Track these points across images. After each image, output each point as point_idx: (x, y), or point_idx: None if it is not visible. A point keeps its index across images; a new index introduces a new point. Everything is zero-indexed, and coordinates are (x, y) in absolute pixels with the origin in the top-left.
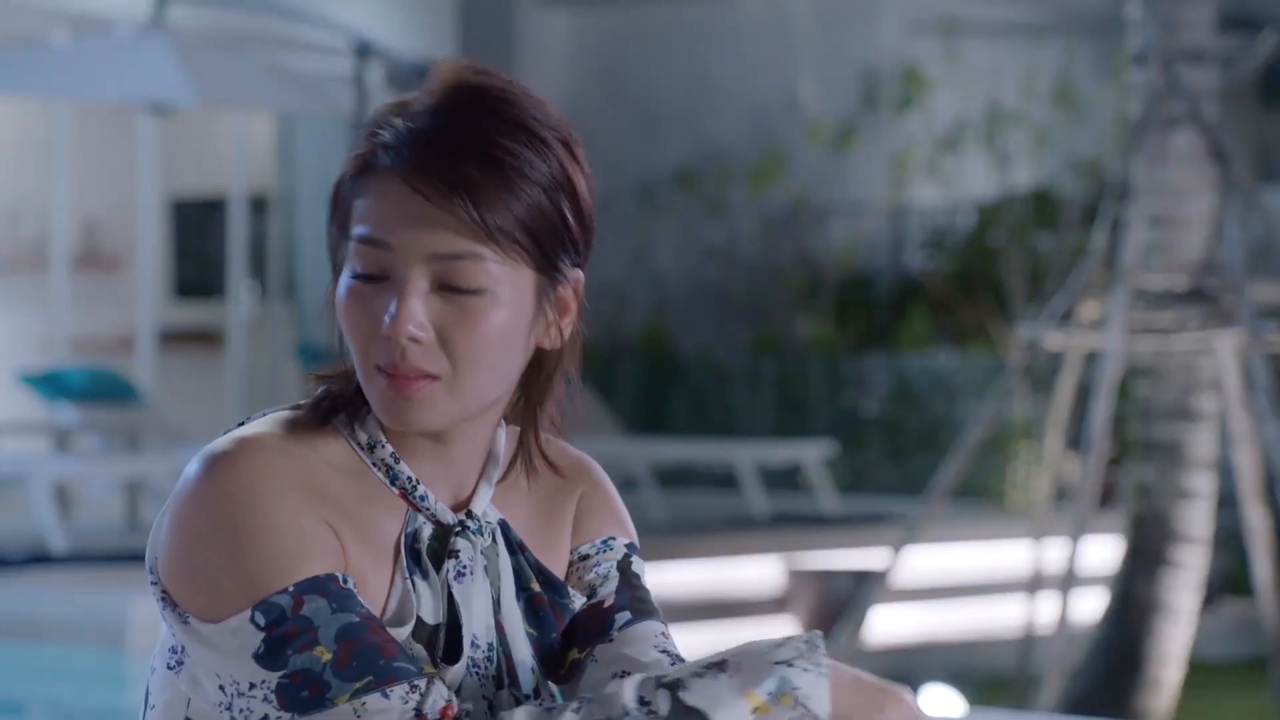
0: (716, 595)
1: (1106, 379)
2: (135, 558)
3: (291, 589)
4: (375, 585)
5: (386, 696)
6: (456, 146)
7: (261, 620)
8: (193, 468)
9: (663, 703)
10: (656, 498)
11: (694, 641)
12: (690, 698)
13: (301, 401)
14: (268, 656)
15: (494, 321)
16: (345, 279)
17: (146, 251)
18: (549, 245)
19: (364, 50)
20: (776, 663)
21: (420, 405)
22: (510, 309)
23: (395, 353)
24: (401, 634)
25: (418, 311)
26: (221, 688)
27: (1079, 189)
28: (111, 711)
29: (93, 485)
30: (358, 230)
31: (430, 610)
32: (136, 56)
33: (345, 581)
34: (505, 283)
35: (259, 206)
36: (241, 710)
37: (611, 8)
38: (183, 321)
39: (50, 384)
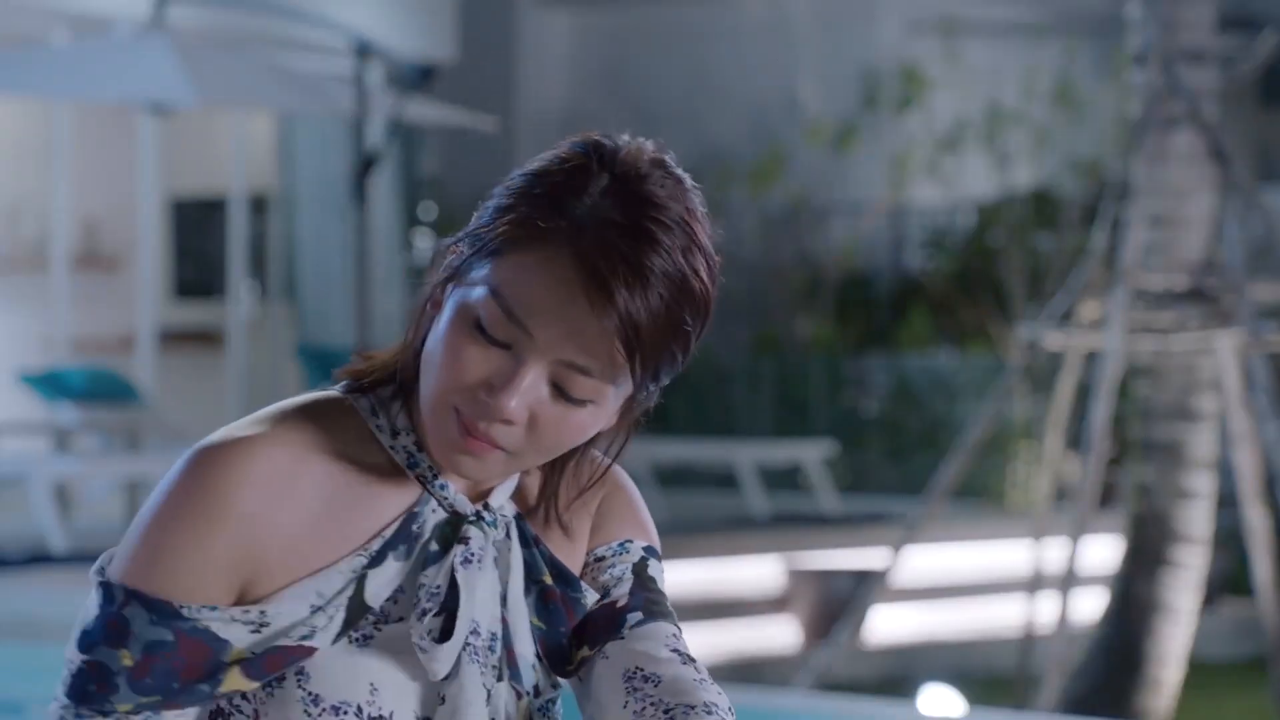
0: (716, 595)
1: (1106, 379)
2: None
3: (145, 592)
4: (323, 547)
5: (159, 715)
6: (629, 255)
7: (100, 597)
8: (184, 455)
9: None
10: (656, 498)
11: (694, 641)
12: None
13: (337, 385)
14: (87, 632)
15: (586, 426)
16: (461, 320)
17: (146, 251)
18: (663, 373)
19: (364, 50)
20: None
21: (480, 465)
22: (603, 416)
23: (481, 422)
24: (309, 587)
25: (525, 402)
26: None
27: (1079, 189)
28: None
29: (93, 485)
30: (501, 290)
31: (430, 588)
32: (136, 56)
33: (199, 612)
34: (610, 397)
35: (259, 206)
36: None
37: (611, 8)
38: (183, 321)
39: (50, 384)
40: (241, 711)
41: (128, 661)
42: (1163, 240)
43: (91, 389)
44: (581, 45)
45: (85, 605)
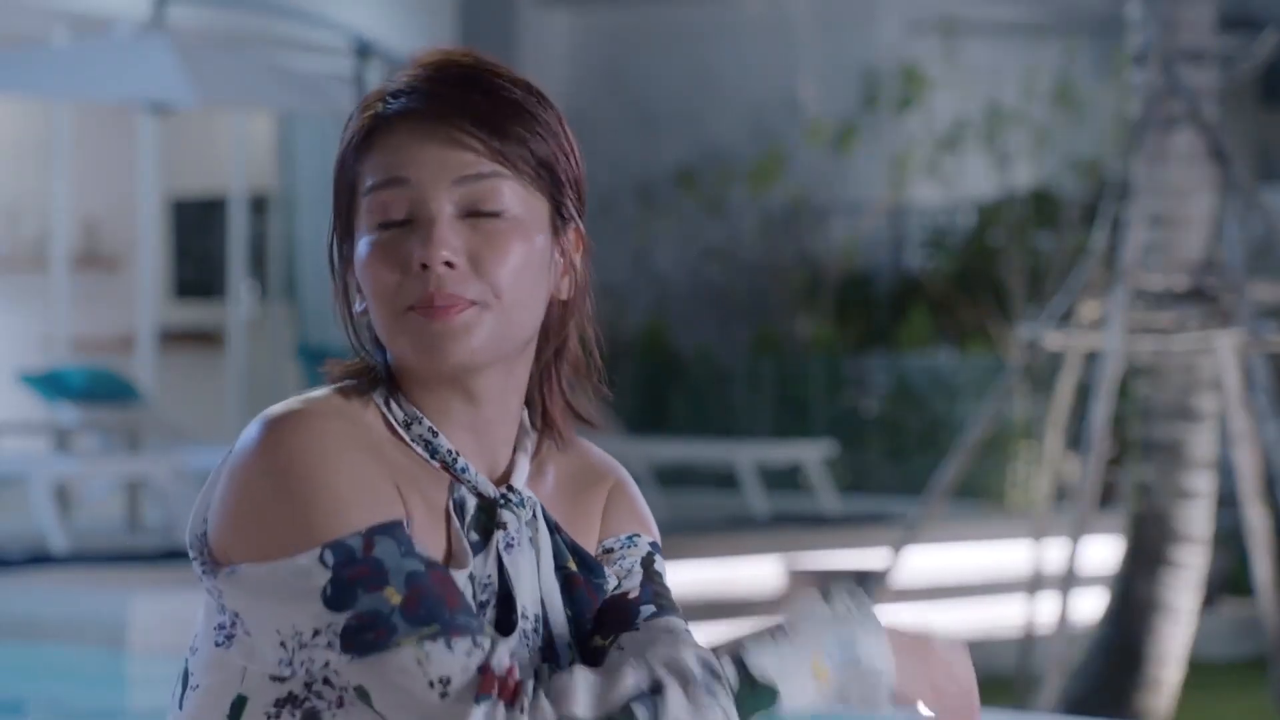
0: (716, 595)
1: (1106, 379)
2: (135, 558)
3: (363, 531)
4: (433, 547)
5: (450, 648)
6: (466, 83)
7: (330, 560)
8: (252, 429)
9: (729, 669)
10: (656, 498)
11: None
12: (756, 668)
13: (336, 385)
14: (336, 597)
15: (520, 245)
16: (365, 239)
17: (146, 251)
18: (558, 178)
19: (364, 50)
20: (834, 625)
21: (463, 332)
22: (531, 235)
23: (431, 282)
24: (460, 578)
25: (450, 236)
26: (283, 644)
27: (1079, 189)
28: (111, 711)
29: (93, 485)
30: (371, 181)
31: (482, 579)
32: (136, 56)
33: (408, 529)
34: (524, 209)
35: (259, 206)
36: (303, 663)
37: (611, 7)
38: (183, 321)
39: (50, 384)
40: (323, 698)
41: (395, 599)
42: (1163, 240)
43: (91, 389)
44: (581, 45)
45: (202, 623)
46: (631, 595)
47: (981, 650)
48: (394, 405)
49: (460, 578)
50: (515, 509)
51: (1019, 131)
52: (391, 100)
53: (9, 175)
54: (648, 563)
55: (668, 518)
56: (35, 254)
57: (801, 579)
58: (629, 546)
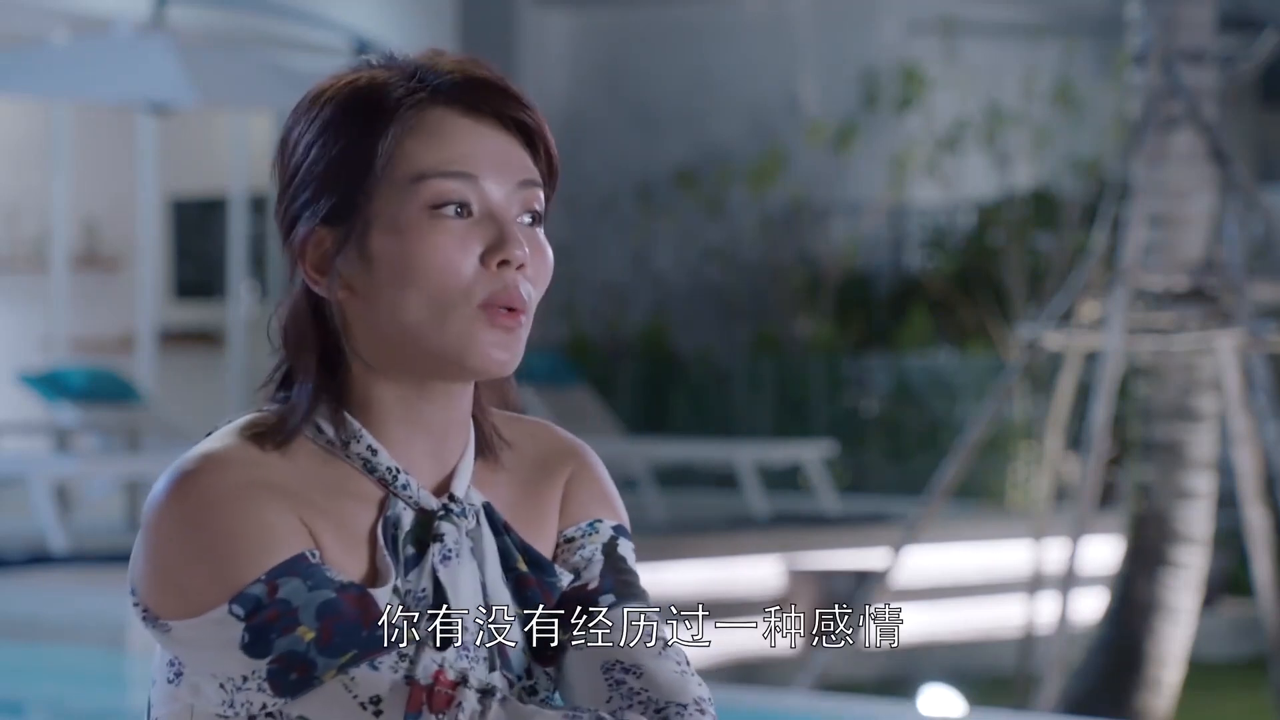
0: (716, 595)
1: (1106, 379)
2: None
3: (264, 576)
4: (354, 571)
5: (375, 667)
6: (499, 86)
7: (240, 611)
8: (159, 485)
9: None
10: (656, 498)
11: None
12: None
13: (260, 410)
14: (253, 645)
15: (549, 254)
16: (418, 221)
17: (146, 251)
18: (555, 188)
19: (364, 50)
20: None
21: (514, 341)
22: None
23: (511, 281)
24: (383, 594)
25: (522, 238)
26: (221, 686)
27: (1079, 189)
28: (111, 711)
29: (93, 485)
30: (427, 166)
31: (416, 592)
32: (136, 56)
33: (314, 557)
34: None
35: (259, 206)
36: (244, 704)
37: (611, 8)
38: (183, 321)
39: (50, 384)
40: None
41: (309, 636)
42: (1163, 240)
43: (91, 389)
44: (581, 45)
45: (158, 657)
46: (590, 586)
47: (981, 650)
48: (324, 426)
49: (383, 594)
50: (455, 519)
51: (1019, 131)
52: (430, 84)
53: (9, 175)
54: (610, 548)
55: (668, 518)
56: (35, 254)
57: (801, 579)
58: (590, 534)
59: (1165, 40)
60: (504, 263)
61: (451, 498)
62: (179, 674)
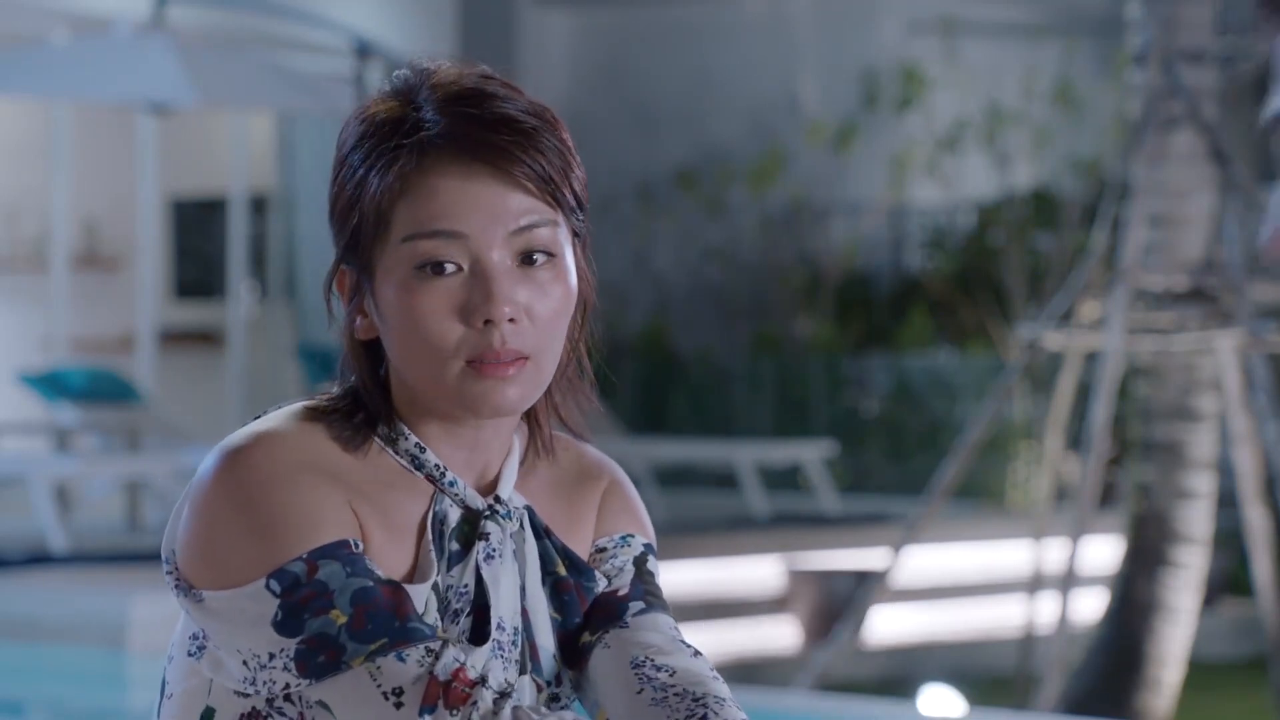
0: (716, 595)
1: (1106, 379)
2: (135, 558)
3: (305, 556)
4: (398, 562)
5: (402, 659)
6: (499, 122)
7: (277, 587)
8: (210, 460)
9: None
10: (656, 498)
11: (694, 641)
12: None
13: (319, 397)
14: (285, 623)
15: (562, 290)
16: (406, 281)
17: (146, 251)
18: (580, 200)
19: (364, 50)
20: None
21: (509, 385)
22: (568, 272)
23: (495, 339)
24: (421, 590)
25: (511, 291)
26: (245, 663)
27: (1079, 189)
28: (111, 711)
29: (93, 485)
30: (415, 228)
31: (458, 588)
32: (136, 56)
33: (356, 547)
34: (560, 242)
35: (259, 206)
36: (265, 683)
37: (611, 8)
38: (183, 321)
39: (50, 384)
40: (285, 715)
41: (341, 620)
42: (1163, 240)
43: (91, 389)
44: (581, 45)
45: (179, 631)
46: (620, 593)
47: (981, 650)
48: (380, 424)
49: (421, 590)
50: (501, 520)
51: (1019, 131)
52: (420, 136)
53: (9, 175)
54: (640, 562)
55: (668, 518)
56: (35, 254)
57: (801, 579)
58: (622, 546)
59: (1165, 40)
60: (486, 321)
61: (497, 499)
62: (201, 648)
